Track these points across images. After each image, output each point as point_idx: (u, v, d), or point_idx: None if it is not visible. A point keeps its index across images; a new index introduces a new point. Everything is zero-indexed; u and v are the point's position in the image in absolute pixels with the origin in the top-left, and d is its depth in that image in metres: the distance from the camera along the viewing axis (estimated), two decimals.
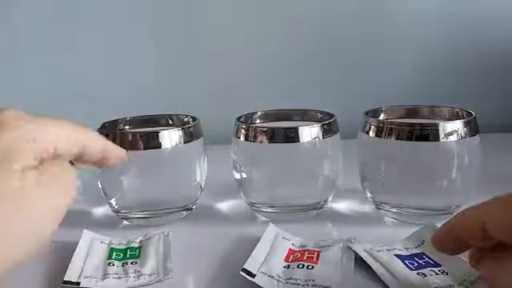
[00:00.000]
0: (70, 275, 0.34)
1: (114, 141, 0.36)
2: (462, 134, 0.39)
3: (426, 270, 0.33)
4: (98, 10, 0.72)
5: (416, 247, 0.36)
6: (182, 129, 0.42)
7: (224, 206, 0.48)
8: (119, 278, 0.34)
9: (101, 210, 0.48)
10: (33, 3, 0.71)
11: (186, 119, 0.47)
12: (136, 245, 0.39)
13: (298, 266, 0.34)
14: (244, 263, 0.34)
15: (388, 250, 0.36)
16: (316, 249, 0.36)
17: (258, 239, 0.37)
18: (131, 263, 0.36)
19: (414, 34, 0.73)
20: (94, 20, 0.72)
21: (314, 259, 0.35)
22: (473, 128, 0.40)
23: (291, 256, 0.36)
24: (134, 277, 0.34)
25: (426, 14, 0.72)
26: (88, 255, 0.37)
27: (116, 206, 0.44)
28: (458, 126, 0.39)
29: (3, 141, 0.25)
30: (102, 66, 0.74)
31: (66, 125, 0.29)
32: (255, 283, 0.32)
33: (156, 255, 0.37)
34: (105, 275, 0.34)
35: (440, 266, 0.33)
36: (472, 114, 0.41)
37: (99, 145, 0.31)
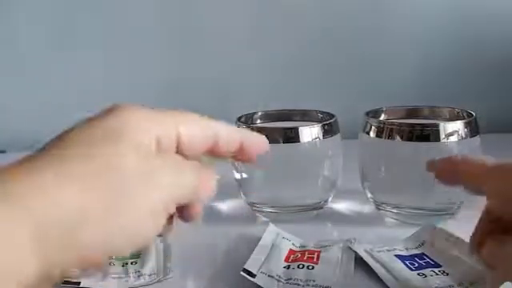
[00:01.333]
0: None
1: None
2: (463, 135, 0.39)
3: (427, 271, 0.33)
4: (97, 10, 0.72)
5: (416, 248, 0.36)
6: None
7: (224, 206, 0.48)
8: (119, 277, 0.34)
9: None
10: (33, 3, 0.71)
11: None
12: None
13: (298, 266, 0.34)
14: (244, 263, 0.33)
15: (388, 251, 0.36)
16: (316, 249, 0.36)
17: (259, 239, 0.37)
18: (131, 263, 0.36)
19: (414, 34, 0.73)
20: (94, 20, 0.72)
21: (315, 259, 0.35)
22: (473, 128, 0.40)
23: (291, 256, 0.36)
24: (134, 277, 0.34)
25: (427, 15, 0.72)
26: None
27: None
28: (458, 126, 0.39)
29: (125, 118, 0.22)
30: (103, 66, 0.74)
31: (190, 114, 0.26)
32: (255, 283, 0.32)
33: (156, 255, 0.37)
34: (105, 275, 0.34)
35: (440, 266, 0.33)
36: (472, 115, 0.41)
37: (234, 133, 0.28)
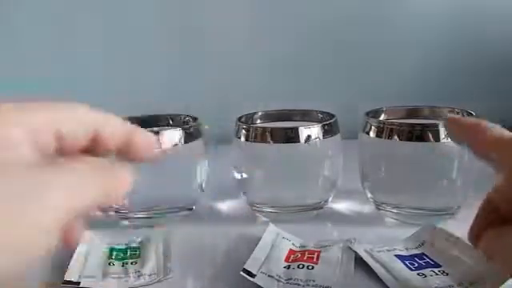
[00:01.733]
0: (71, 275, 0.34)
1: None
2: None
3: (426, 271, 0.33)
4: (97, 10, 0.72)
5: (416, 248, 0.36)
6: (183, 128, 0.42)
7: (224, 206, 0.48)
8: (119, 277, 0.34)
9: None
10: (33, 3, 0.71)
11: (186, 119, 0.47)
12: (136, 245, 0.39)
13: (298, 266, 0.34)
14: (244, 263, 0.34)
15: (388, 251, 0.36)
16: (316, 249, 0.36)
17: (259, 239, 0.37)
18: (131, 263, 0.36)
19: (414, 34, 0.73)
20: (94, 19, 0.72)
21: (315, 259, 0.35)
22: None
23: (291, 256, 0.36)
24: (134, 277, 0.34)
25: (427, 15, 0.72)
26: (88, 255, 0.37)
27: (116, 206, 0.44)
28: None
29: None
30: (102, 66, 0.74)
31: (67, 105, 0.23)
32: (255, 283, 0.32)
33: (156, 255, 0.37)
34: (105, 275, 0.34)
35: (440, 266, 0.33)
36: (472, 114, 0.41)
37: (120, 128, 0.25)
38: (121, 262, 0.36)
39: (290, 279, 0.32)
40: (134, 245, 0.39)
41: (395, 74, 0.74)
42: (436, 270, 0.33)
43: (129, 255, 0.37)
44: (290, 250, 0.37)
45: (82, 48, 0.73)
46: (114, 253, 0.37)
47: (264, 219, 0.44)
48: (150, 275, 0.34)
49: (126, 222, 0.45)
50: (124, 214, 0.44)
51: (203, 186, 0.46)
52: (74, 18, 0.72)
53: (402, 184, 0.41)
